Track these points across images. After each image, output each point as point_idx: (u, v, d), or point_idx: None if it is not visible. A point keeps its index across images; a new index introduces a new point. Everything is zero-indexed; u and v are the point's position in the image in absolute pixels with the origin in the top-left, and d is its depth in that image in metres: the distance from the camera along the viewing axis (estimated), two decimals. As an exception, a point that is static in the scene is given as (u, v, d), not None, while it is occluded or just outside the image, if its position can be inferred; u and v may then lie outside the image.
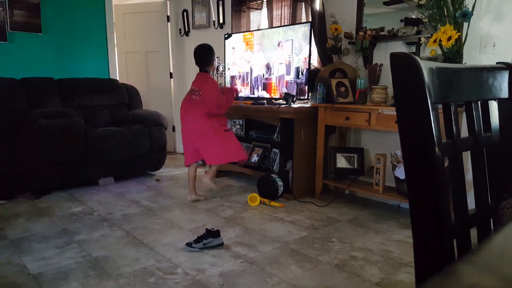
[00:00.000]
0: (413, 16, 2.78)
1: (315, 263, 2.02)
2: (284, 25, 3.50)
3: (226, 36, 3.92)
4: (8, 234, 2.41)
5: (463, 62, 2.45)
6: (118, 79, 4.57)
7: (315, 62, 3.38)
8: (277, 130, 3.34)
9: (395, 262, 2.04)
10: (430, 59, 2.49)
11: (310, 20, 3.27)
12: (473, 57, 2.52)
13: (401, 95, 0.64)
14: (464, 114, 0.79)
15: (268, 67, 3.51)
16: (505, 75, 0.81)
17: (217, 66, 3.78)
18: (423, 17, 2.60)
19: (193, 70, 4.59)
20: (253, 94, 3.68)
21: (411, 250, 2.10)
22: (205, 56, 3.02)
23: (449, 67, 0.70)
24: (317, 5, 3.20)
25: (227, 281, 1.84)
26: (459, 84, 0.71)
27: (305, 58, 3.15)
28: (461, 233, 0.73)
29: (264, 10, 3.87)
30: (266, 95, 3.54)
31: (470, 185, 0.78)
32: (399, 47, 2.89)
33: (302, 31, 3.16)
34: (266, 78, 3.55)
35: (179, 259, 2.07)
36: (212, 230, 2.21)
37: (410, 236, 2.33)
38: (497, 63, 0.82)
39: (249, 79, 3.72)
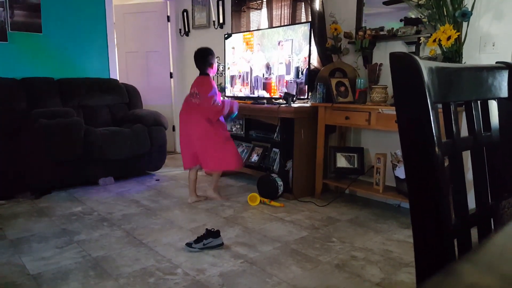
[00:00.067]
0: (413, 16, 2.78)
1: (315, 263, 2.02)
2: (284, 25, 3.49)
3: (226, 36, 3.92)
4: (7, 234, 2.41)
5: (463, 62, 2.45)
6: (118, 79, 4.57)
7: (315, 61, 3.38)
8: (277, 129, 3.34)
9: (395, 262, 2.04)
10: (429, 58, 2.49)
11: (310, 20, 3.27)
12: (472, 56, 2.52)
13: (401, 95, 0.64)
14: (464, 113, 0.79)
15: (268, 67, 3.51)
16: (505, 75, 0.81)
17: (217, 67, 3.77)
18: (423, 16, 2.60)
19: (193, 70, 4.58)
20: (253, 93, 3.68)
21: (412, 250, 2.10)
22: (205, 59, 2.99)
23: (448, 66, 0.70)
24: (317, 5, 3.20)
25: (227, 282, 1.84)
26: (459, 84, 0.71)
27: (305, 58, 3.15)
28: (461, 233, 0.73)
29: (264, 10, 3.87)
30: (266, 95, 3.54)
31: (470, 185, 0.78)
32: (398, 46, 2.89)
33: (302, 31, 3.16)
34: (266, 78, 3.55)
35: (179, 259, 2.07)
36: (212, 230, 2.21)
37: (410, 236, 2.33)
38: (496, 62, 0.82)
39: (249, 79, 3.72)
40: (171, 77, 5.11)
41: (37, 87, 3.67)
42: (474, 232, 0.75)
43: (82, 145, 3.32)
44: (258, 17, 3.97)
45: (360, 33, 2.99)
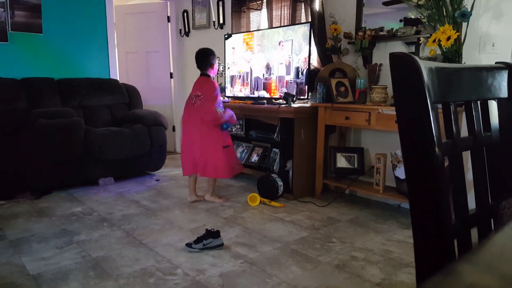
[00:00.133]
0: (412, 16, 2.78)
1: (315, 264, 2.02)
2: (284, 26, 3.50)
3: (226, 36, 3.92)
4: (7, 234, 2.41)
5: (463, 62, 2.45)
6: (118, 79, 4.57)
7: (314, 62, 3.38)
8: (277, 130, 3.34)
9: (395, 262, 2.04)
10: (429, 59, 2.49)
11: (310, 20, 3.27)
12: (472, 56, 2.52)
13: (400, 95, 0.64)
14: (464, 113, 0.79)
15: (268, 67, 3.51)
16: (504, 75, 0.81)
17: (217, 67, 3.77)
18: (422, 17, 2.60)
19: (193, 70, 4.58)
20: (253, 94, 3.68)
21: (412, 250, 2.10)
22: (206, 59, 2.97)
23: (448, 67, 0.70)
24: (317, 6, 3.21)
25: (227, 282, 1.84)
26: (459, 84, 0.71)
27: (305, 58, 3.16)
28: (461, 233, 0.73)
29: (264, 10, 3.88)
30: (266, 95, 3.54)
31: (470, 185, 0.78)
32: (398, 47, 2.89)
33: (302, 31, 3.16)
34: (266, 78, 3.55)
35: (179, 259, 2.07)
36: (212, 230, 2.21)
37: (410, 236, 2.33)
38: (496, 62, 0.82)
39: (249, 79, 3.72)
40: (171, 77, 5.11)
41: (37, 87, 3.68)
42: (474, 233, 0.75)
43: (82, 145, 3.32)
44: (258, 18, 3.97)
45: (360, 33, 2.99)
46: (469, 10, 2.34)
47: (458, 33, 2.33)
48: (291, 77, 3.31)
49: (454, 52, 2.39)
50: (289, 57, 3.30)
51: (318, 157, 3.13)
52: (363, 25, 3.07)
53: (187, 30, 4.88)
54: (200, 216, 2.76)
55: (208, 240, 2.17)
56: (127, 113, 4.15)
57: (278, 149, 3.36)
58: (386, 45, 2.96)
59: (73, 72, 4.17)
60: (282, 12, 3.66)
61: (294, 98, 3.18)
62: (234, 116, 3.05)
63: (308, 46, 3.11)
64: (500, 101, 0.83)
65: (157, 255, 2.13)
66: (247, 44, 3.70)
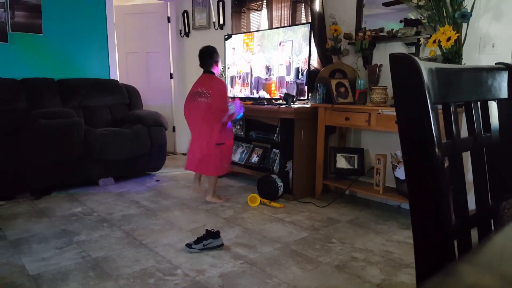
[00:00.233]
0: (412, 17, 2.79)
1: (315, 264, 2.02)
2: (284, 26, 3.50)
3: (226, 37, 3.92)
4: (7, 234, 2.41)
5: (463, 63, 2.46)
6: (118, 79, 4.58)
7: (315, 62, 3.38)
8: (277, 130, 3.34)
9: (395, 263, 2.04)
10: (429, 59, 2.49)
11: (310, 21, 3.27)
12: (472, 57, 2.52)
13: (400, 95, 0.64)
14: (464, 114, 0.79)
15: (268, 68, 3.52)
16: (504, 76, 0.81)
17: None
18: (422, 18, 2.61)
19: (193, 70, 4.59)
20: (253, 94, 3.68)
21: (412, 251, 2.10)
22: (211, 56, 2.98)
23: (448, 67, 0.70)
24: (317, 6, 3.21)
25: (227, 282, 1.84)
26: (459, 85, 0.72)
27: (305, 59, 3.16)
28: (461, 233, 0.73)
29: (264, 11, 3.88)
30: (266, 96, 3.55)
31: (470, 186, 0.78)
32: (398, 47, 2.89)
33: (302, 32, 3.16)
34: (266, 79, 3.55)
35: (179, 260, 2.07)
36: (212, 231, 2.21)
37: (410, 237, 2.33)
38: (496, 63, 0.82)
39: (249, 80, 3.73)
40: (171, 77, 5.11)
41: (37, 88, 3.68)
42: (474, 233, 0.75)
43: (82, 145, 3.32)
44: (258, 18, 3.97)
45: (360, 34, 2.99)
46: (469, 11, 2.34)
47: (458, 34, 2.33)
48: (291, 77, 3.31)
49: (454, 53, 2.39)
50: (289, 58, 3.30)
51: (318, 157, 3.13)
52: (363, 26, 3.08)
53: (187, 31, 4.88)
54: (200, 216, 2.76)
55: (208, 240, 2.17)
56: (127, 113, 4.15)
57: (278, 149, 3.36)
58: (386, 45, 2.96)
59: (73, 72, 4.17)
60: (282, 13, 3.66)
61: (294, 99, 3.18)
62: (242, 105, 3.11)
63: (308, 47, 3.11)
64: (500, 102, 0.83)
65: (157, 255, 2.13)
66: (247, 44, 3.70)
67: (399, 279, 1.88)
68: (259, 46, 3.58)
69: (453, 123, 0.71)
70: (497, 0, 2.41)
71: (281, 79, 3.41)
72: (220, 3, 4.34)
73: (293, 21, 3.57)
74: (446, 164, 0.68)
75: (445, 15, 2.43)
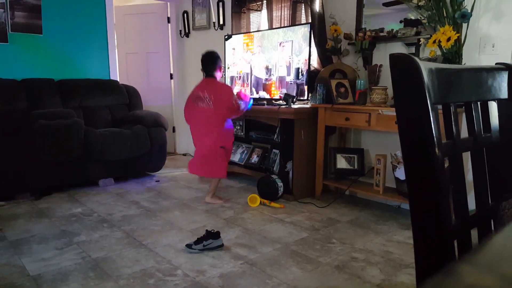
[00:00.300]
0: (412, 17, 2.79)
1: (315, 264, 2.02)
2: (284, 26, 3.50)
3: (226, 37, 3.92)
4: (7, 235, 2.41)
5: (463, 63, 2.46)
6: (118, 79, 4.58)
7: (315, 63, 3.38)
8: (277, 130, 3.34)
9: (395, 263, 2.04)
10: (429, 60, 2.49)
11: (310, 21, 3.27)
12: (472, 57, 2.52)
13: (400, 96, 0.64)
14: (464, 114, 0.79)
15: (268, 68, 3.52)
16: (504, 76, 0.81)
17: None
18: (422, 18, 2.61)
19: (193, 71, 4.59)
20: (253, 94, 3.68)
21: (412, 251, 2.10)
22: (215, 61, 2.99)
23: (448, 67, 0.70)
24: (317, 6, 3.21)
25: (227, 283, 1.84)
26: (459, 85, 0.72)
27: (305, 59, 3.16)
28: (461, 233, 0.73)
29: (264, 11, 3.88)
30: (266, 96, 3.55)
31: (470, 186, 0.78)
32: (398, 48, 2.89)
33: (302, 32, 3.16)
34: (266, 79, 3.55)
35: (179, 260, 2.07)
36: (212, 231, 2.21)
37: (410, 237, 2.33)
38: (496, 63, 0.82)
39: (249, 80, 3.73)
40: (171, 78, 5.12)
41: (37, 88, 3.68)
42: (474, 233, 0.75)
43: (82, 146, 3.32)
44: (258, 18, 3.97)
45: (360, 34, 2.99)
46: (469, 11, 2.34)
47: (458, 34, 2.33)
48: (291, 78, 3.31)
49: (454, 53, 2.39)
50: (289, 58, 3.30)
51: (318, 158, 3.13)
52: (363, 26, 3.08)
53: (187, 31, 4.89)
54: (200, 217, 2.76)
55: (208, 241, 2.17)
56: (127, 114, 4.15)
57: (278, 150, 3.36)
58: (386, 46, 2.96)
59: (73, 72, 4.18)
60: (282, 13, 3.66)
61: (294, 99, 3.18)
62: (247, 95, 3.17)
63: (308, 47, 3.11)
64: (500, 102, 0.83)
65: (157, 256, 2.13)
66: (247, 45, 3.70)
67: (399, 279, 1.88)
68: (259, 47, 3.58)
69: (453, 123, 0.71)
70: (497, 0, 2.41)
71: (281, 79, 3.41)
72: (220, 4, 4.34)
73: (293, 22, 3.57)
74: (446, 164, 0.68)
75: (445, 15, 2.43)
